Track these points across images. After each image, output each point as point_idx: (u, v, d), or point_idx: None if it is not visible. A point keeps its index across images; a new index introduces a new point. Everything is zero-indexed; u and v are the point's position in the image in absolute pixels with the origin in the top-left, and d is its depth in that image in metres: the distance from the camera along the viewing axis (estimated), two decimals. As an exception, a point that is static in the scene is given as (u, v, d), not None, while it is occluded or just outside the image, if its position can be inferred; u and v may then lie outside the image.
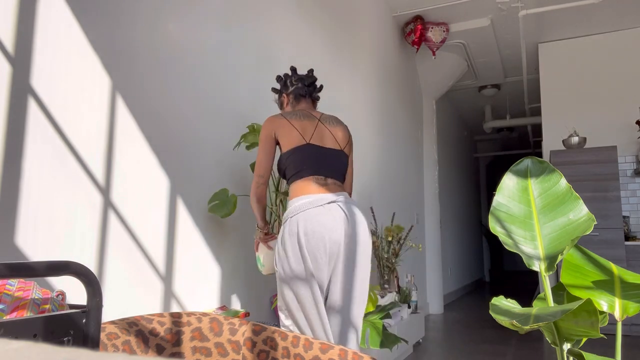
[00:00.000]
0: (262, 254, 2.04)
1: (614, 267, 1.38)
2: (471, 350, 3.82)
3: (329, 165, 1.97)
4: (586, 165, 4.88)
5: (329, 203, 1.86)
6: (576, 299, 1.43)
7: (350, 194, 2.10)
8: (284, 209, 2.30)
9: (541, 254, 1.39)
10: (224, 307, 2.13)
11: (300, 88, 2.13)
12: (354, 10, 4.08)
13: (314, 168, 1.93)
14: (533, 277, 10.72)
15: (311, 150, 1.95)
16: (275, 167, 2.42)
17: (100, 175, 1.65)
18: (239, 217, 2.37)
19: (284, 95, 2.16)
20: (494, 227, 1.46)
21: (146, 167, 1.84)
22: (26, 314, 0.92)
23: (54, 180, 1.48)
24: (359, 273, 1.89)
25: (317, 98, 2.20)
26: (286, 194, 2.27)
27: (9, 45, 1.39)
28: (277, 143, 1.99)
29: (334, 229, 1.82)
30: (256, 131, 2.27)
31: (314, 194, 1.87)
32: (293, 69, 2.19)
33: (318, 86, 2.18)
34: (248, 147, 2.29)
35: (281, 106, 2.19)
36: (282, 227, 1.87)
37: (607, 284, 1.35)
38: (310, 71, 2.19)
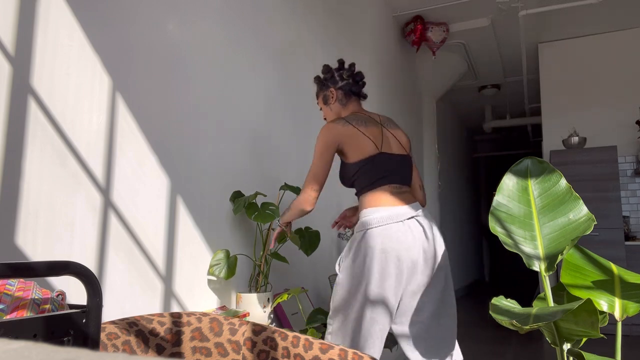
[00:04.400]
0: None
1: (614, 267, 1.38)
2: (471, 350, 3.82)
3: (401, 172, 1.93)
4: (586, 165, 4.88)
5: (408, 219, 1.81)
6: (576, 299, 1.43)
7: (424, 199, 2.05)
8: (268, 266, 2.27)
9: (541, 254, 1.39)
10: (224, 307, 2.13)
11: (353, 85, 2.01)
12: (354, 10, 4.08)
13: (389, 178, 1.88)
14: (533, 277, 10.72)
15: (384, 159, 1.89)
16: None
17: (100, 175, 1.65)
18: (239, 216, 2.37)
19: (332, 89, 2.04)
20: (494, 227, 1.46)
21: (146, 167, 1.84)
22: (26, 314, 0.92)
23: (54, 180, 1.48)
24: (437, 288, 1.87)
25: (365, 96, 2.09)
26: (275, 255, 2.25)
27: (9, 45, 1.39)
28: (340, 152, 1.93)
29: (412, 247, 1.78)
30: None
31: (391, 206, 1.82)
32: (341, 62, 2.05)
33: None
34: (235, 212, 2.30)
35: (325, 101, 2.09)
36: (356, 235, 1.83)
37: (607, 284, 1.35)
38: (352, 65, 2.05)
